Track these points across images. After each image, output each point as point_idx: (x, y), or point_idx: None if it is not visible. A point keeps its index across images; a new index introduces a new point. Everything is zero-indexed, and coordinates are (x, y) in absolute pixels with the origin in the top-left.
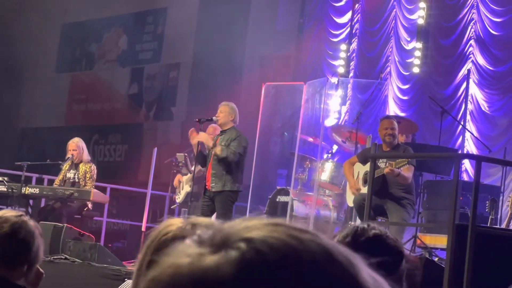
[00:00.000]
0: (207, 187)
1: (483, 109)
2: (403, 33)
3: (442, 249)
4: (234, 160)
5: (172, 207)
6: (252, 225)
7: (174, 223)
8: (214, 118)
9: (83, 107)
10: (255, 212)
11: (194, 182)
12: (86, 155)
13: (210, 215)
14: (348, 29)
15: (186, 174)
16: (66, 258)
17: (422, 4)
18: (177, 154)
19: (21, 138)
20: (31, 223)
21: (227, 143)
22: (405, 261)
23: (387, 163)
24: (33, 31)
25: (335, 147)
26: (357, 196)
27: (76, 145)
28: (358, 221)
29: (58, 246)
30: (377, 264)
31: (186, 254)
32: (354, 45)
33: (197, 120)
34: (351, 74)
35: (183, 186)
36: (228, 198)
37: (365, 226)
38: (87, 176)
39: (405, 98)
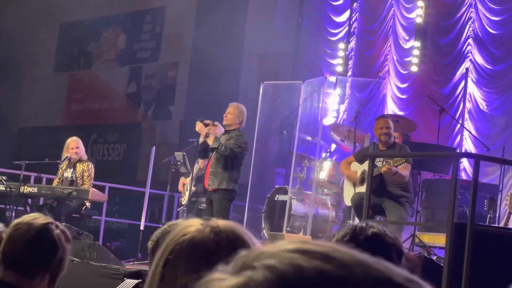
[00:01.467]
0: (206, 186)
1: (481, 107)
2: (401, 32)
3: (440, 248)
4: (226, 153)
5: (178, 209)
6: (275, 251)
7: (193, 224)
8: (216, 122)
9: (81, 107)
10: (253, 211)
11: (194, 181)
12: (83, 154)
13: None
14: (347, 28)
15: (184, 173)
16: None
17: (420, 3)
18: (176, 153)
19: (19, 137)
20: (58, 230)
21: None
22: (404, 259)
23: (384, 161)
24: (31, 30)
25: (333, 146)
26: (355, 195)
27: (78, 143)
28: (356, 220)
29: None
30: None
31: (211, 279)
32: (352, 44)
33: (201, 121)
34: (350, 73)
35: (188, 188)
36: (224, 196)
37: (364, 225)
38: (85, 174)
39: (403, 96)
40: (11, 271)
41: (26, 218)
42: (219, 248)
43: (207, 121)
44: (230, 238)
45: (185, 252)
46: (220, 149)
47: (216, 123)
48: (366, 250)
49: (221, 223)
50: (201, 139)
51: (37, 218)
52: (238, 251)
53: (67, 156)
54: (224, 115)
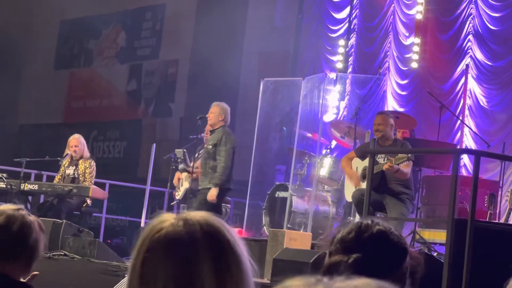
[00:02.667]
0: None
1: (481, 104)
2: (401, 28)
3: (441, 244)
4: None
5: (172, 204)
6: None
7: (167, 219)
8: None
9: (81, 104)
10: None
11: (190, 178)
12: (86, 152)
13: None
14: (347, 24)
15: (183, 170)
16: (65, 254)
17: None
18: (176, 150)
19: (20, 134)
20: (30, 217)
21: (214, 143)
22: (408, 257)
23: (385, 158)
24: (32, 27)
25: (333, 143)
26: (356, 192)
27: (78, 141)
28: (357, 217)
29: (57, 243)
30: (381, 260)
31: None
32: (352, 40)
33: (198, 118)
34: (350, 70)
35: (183, 183)
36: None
37: (369, 222)
38: (87, 172)
39: (403, 93)
40: None
41: None
42: (194, 240)
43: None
44: (205, 230)
45: (161, 248)
46: (223, 176)
47: None
48: (371, 248)
49: (194, 214)
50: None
51: (9, 206)
52: (214, 242)
53: (67, 154)
54: (207, 116)
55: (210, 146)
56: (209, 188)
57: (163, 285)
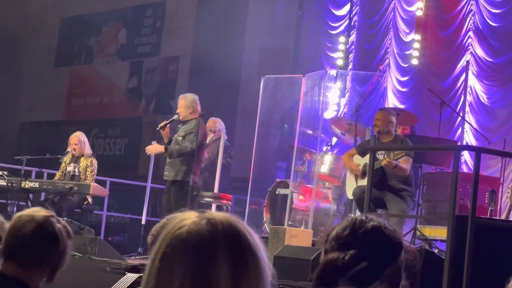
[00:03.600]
0: (164, 176)
1: (482, 100)
2: (401, 25)
3: (442, 241)
4: (183, 152)
5: None
6: None
7: (189, 217)
8: (175, 116)
9: (82, 101)
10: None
11: (195, 174)
12: (87, 149)
13: (169, 207)
14: (347, 21)
15: None
16: None
17: None
18: None
19: (20, 132)
20: (59, 225)
21: (183, 134)
22: (404, 252)
23: (385, 155)
24: (32, 25)
25: (334, 140)
26: (357, 189)
27: (78, 140)
28: (358, 214)
29: None
30: (376, 255)
31: None
32: (353, 37)
33: (159, 127)
34: (350, 66)
35: None
36: (181, 188)
37: (363, 218)
38: (88, 170)
39: (404, 90)
40: (11, 263)
41: (28, 211)
42: (215, 240)
43: (161, 124)
44: (226, 230)
45: (182, 245)
46: (173, 154)
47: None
48: (366, 244)
49: (217, 215)
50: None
51: (39, 211)
52: (234, 244)
53: (68, 151)
54: (177, 111)
55: (180, 138)
56: (177, 181)
57: (180, 282)
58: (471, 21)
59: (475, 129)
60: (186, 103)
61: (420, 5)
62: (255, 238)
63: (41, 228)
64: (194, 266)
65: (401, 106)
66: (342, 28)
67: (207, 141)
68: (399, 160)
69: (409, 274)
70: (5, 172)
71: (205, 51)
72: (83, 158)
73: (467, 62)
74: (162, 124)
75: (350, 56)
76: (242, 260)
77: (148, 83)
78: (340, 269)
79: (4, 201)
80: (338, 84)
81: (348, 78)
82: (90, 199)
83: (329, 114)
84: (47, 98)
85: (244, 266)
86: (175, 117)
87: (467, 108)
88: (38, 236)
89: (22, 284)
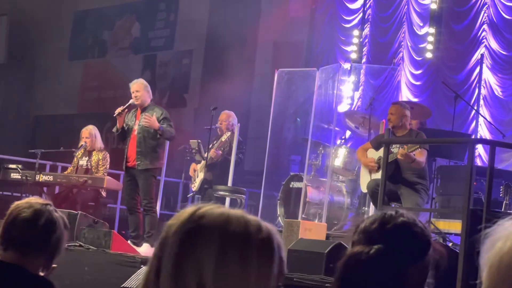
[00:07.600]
0: (128, 164)
1: (496, 94)
2: (415, 18)
3: (456, 235)
4: (171, 136)
5: (188, 195)
6: None
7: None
8: (131, 101)
9: (95, 95)
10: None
11: (207, 168)
12: (99, 143)
13: (134, 194)
14: (361, 14)
15: (199, 161)
16: (80, 245)
17: None
18: (190, 141)
19: (35, 126)
20: (56, 213)
21: (161, 119)
22: (432, 250)
23: (400, 148)
24: (46, 19)
25: (348, 133)
26: (371, 182)
27: (89, 133)
28: (372, 207)
29: (73, 233)
30: (403, 251)
31: None
32: (366, 30)
33: (115, 114)
34: (364, 60)
35: (198, 174)
36: (152, 174)
37: (393, 213)
38: (100, 163)
39: (418, 83)
40: (10, 251)
41: (26, 199)
42: (248, 240)
43: (119, 109)
44: (261, 232)
45: (218, 242)
46: (166, 135)
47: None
48: (394, 239)
49: (250, 216)
50: (119, 125)
51: (37, 199)
52: (266, 246)
53: (82, 145)
54: (133, 97)
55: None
56: (149, 169)
57: (204, 275)
58: (485, 14)
59: (489, 122)
60: (143, 87)
61: None
62: (280, 241)
63: (39, 215)
64: (225, 263)
65: (415, 100)
66: (355, 21)
67: (219, 133)
68: (414, 153)
69: (436, 273)
70: (20, 166)
71: (219, 44)
72: (95, 152)
73: (482, 55)
74: (120, 109)
75: (364, 49)
76: (269, 261)
77: (161, 77)
78: (364, 263)
79: (19, 194)
80: (352, 77)
81: (362, 71)
82: (103, 193)
83: (343, 108)
84: (61, 92)
85: (269, 268)
86: (131, 101)
87: (481, 102)
88: (36, 222)
89: (22, 271)
